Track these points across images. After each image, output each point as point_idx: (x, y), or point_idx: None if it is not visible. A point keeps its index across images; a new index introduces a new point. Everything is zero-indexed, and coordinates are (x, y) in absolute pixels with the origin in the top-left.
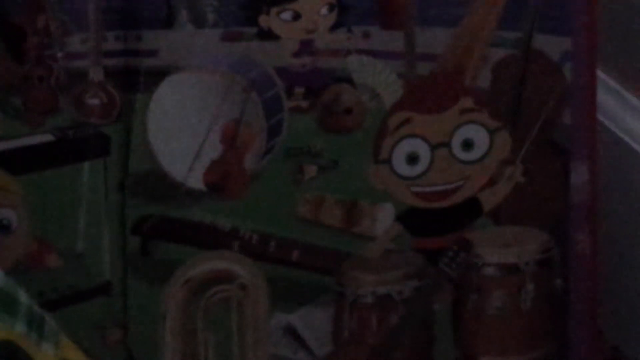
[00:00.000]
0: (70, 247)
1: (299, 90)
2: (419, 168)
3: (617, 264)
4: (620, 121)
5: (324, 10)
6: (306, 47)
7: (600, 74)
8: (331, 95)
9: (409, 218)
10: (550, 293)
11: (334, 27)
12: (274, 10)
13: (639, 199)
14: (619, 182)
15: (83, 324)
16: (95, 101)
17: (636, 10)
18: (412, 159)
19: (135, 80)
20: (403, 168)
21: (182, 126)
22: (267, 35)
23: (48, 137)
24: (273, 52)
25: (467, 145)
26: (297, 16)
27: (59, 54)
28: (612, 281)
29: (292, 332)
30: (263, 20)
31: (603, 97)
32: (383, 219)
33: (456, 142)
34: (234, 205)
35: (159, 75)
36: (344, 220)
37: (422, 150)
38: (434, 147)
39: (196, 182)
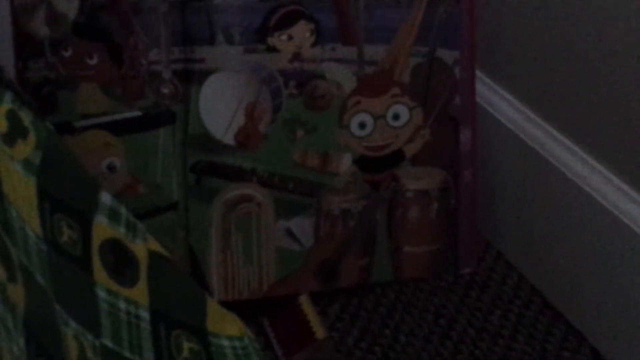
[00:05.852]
0: (152, 181)
1: (292, 83)
2: (366, 131)
3: (486, 188)
4: (489, 102)
5: (307, 34)
6: (296, 57)
7: (478, 72)
8: (312, 87)
9: (361, 162)
10: (447, 208)
11: (314, 45)
12: (276, 34)
13: (495, 149)
14: (486, 137)
15: (161, 228)
16: (166, 90)
17: (501, 30)
18: (362, 125)
19: (191, 77)
20: (356, 131)
21: (220, 105)
22: (272, 49)
23: (137, 113)
24: (276, 60)
25: (396, 117)
26: (290, 38)
27: (144, 61)
28: (485, 201)
29: (290, 233)
30: (270, 40)
31: (479, 87)
32: (345, 163)
33: (389, 115)
34: (253, 155)
35: (206, 74)
36: (320, 163)
37: (368, 120)
38: (375, 118)
39: (229, 140)
